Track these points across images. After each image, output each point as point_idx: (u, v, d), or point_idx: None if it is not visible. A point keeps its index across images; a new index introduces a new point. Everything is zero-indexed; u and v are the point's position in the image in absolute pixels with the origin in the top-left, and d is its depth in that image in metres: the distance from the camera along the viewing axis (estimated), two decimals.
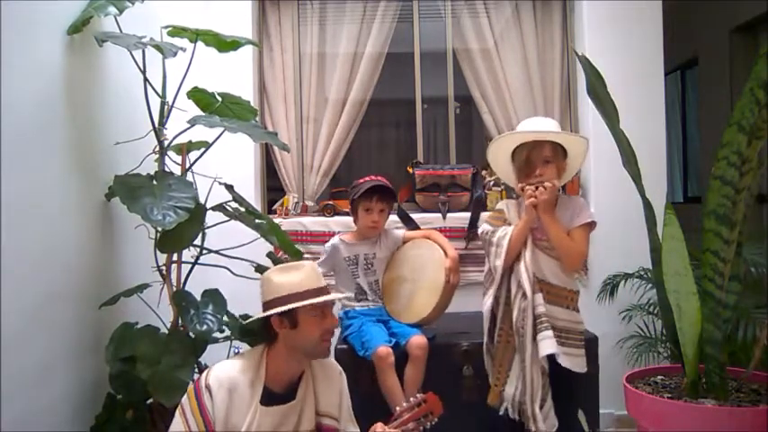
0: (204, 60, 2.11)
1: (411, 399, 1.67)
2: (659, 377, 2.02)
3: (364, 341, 2.27)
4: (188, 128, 1.93)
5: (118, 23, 1.95)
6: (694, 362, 1.80)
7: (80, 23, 1.83)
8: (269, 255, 2.20)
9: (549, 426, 1.93)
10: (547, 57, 3.27)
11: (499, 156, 2.11)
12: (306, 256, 2.74)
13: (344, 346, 2.35)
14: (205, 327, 1.84)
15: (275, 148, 3.14)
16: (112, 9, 1.85)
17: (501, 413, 2.02)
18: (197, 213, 1.83)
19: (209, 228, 2.04)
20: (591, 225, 2.03)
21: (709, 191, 1.74)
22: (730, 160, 1.67)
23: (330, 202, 3.12)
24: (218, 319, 1.89)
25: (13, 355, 1.51)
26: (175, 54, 1.88)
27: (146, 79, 1.96)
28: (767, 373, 1.87)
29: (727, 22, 3.96)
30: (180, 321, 1.94)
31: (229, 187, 2.14)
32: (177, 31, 2.02)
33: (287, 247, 2.20)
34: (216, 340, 1.98)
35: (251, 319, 1.67)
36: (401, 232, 2.59)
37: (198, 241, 2.00)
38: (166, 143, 2.02)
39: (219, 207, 2.04)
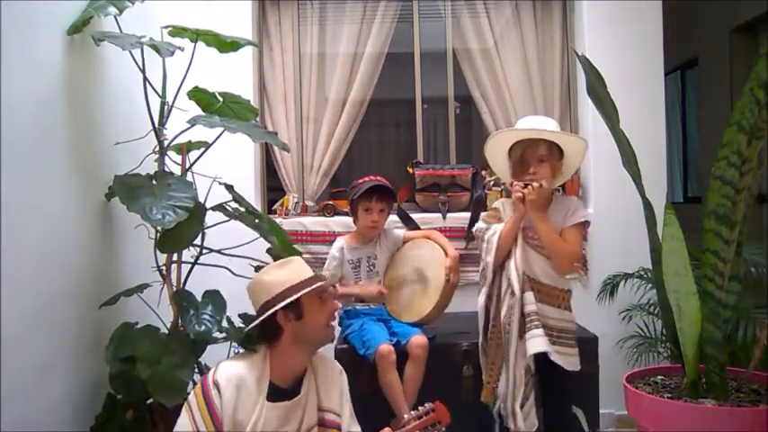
0: (204, 60, 2.11)
1: (419, 407, 1.68)
2: (659, 377, 2.01)
3: (365, 340, 2.27)
4: (188, 128, 1.93)
5: (118, 23, 1.95)
6: (694, 362, 1.80)
7: (80, 23, 1.83)
8: (268, 251, 2.19)
9: (529, 425, 1.93)
10: (547, 57, 3.27)
11: (497, 152, 2.12)
12: (306, 256, 2.75)
13: (345, 346, 2.35)
14: (203, 327, 1.84)
15: (275, 148, 3.15)
16: (112, 9, 1.85)
17: (495, 410, 2.03)
18: (197, 213, 1.84)
19: (208, 228, 2.04)
20: (585, 224, 2.03)
21: (709, 191, 1.74)
22: (730, 160, 1.67)
23: (330, 202, 3.12)
24: (216, 321, 1.89)
25: (13, 355, 1.50)
26: (173, 53, 1.88)
27: (146, 79, 1.96)
28: (767, 373, 1.87)
29: (727, 22, 3.96)
30: (180, 321, 1.94)
31: (229, 187, 2.14)
32: (177, 31, 2.02)
33: (287, 247, 2.19)
34: (216, 340, 1.98)
35: (252, 324, 1.68)
36: (401, 232, 2.59)
37: (198, 241, 2.00)
38: (166, 143, 2.02)
39: (219, 207, 2.04)
